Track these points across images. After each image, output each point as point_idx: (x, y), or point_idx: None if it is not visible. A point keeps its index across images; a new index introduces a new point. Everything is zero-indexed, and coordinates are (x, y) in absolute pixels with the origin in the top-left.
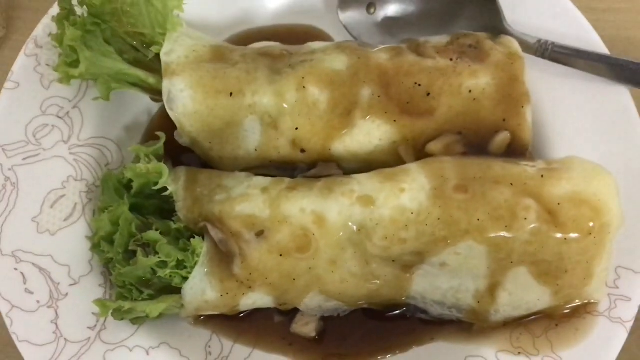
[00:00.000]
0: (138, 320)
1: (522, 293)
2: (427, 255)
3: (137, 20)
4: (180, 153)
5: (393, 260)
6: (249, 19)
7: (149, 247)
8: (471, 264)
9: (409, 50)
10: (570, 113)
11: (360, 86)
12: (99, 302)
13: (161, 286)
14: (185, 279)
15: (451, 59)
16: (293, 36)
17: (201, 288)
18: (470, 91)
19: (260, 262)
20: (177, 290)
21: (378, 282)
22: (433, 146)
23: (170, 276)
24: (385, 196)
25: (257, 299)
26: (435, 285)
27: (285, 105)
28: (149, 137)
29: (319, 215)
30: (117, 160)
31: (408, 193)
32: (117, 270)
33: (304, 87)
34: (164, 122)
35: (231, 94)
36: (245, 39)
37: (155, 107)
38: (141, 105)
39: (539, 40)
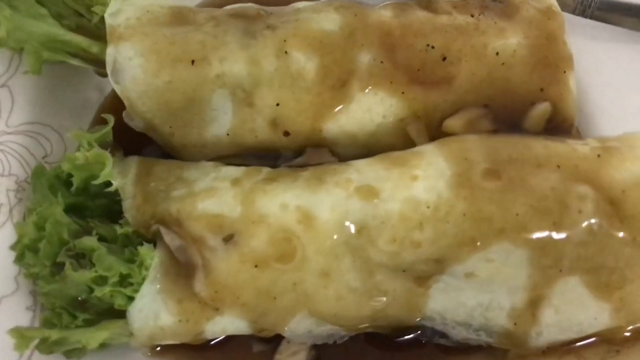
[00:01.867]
0: (73, 353)
1: (573, 310)
2: (449, 263)
3: None
4: (140, 145)
5: (403, 270)
6: None
7: (85, 259)
8: (507, 273)
9: (418, 7)
10: (620, 82)
11: (357, 50)
12: (17, 332)
13: (103, 308)
14: (132, 299)
15: (472, 15)
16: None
17: (153, 311)
18: (497, 53)
19: (230, 276)
20: (124, 313)
21: (385, 298)
22: (453, 122)
23: (111, 295)
24: (393, 186)
25: (227, 324)
26: (459, 302)
27: (262, 75)
28: (99, 122)
29: (305, 213)
30: (58, 152)
31: (422, 181)
32: (42, 289)
33: (285, 52)
34: (119, 105)
35: (193, 61)
36: (218, 5)
37: (109, 84)
38: (90, 82)
39: None
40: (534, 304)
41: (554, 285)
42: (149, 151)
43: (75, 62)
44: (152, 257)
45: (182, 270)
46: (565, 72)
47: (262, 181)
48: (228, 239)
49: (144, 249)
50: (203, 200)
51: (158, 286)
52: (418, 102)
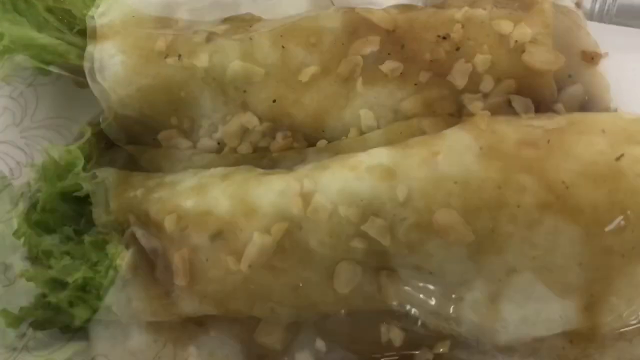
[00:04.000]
0: None
1: None
2: (483, 257)
3: None
4: None
5: (430, 273)
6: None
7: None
8: (556, 263)
9: (424, 6)
10: None
11: (361, 43)
12: None
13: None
14: (95, 311)
15: (484, 9)
16: None
17: (121, 328)
18: (516, 41)
19: (217, 281)
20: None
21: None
22: (474, 110)
23: (70, 303)
24: (411, 164)
25: (215, 347)
26: (498, 317)
27: (256, 70)
28: None
29: (306, 198)
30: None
31: (446, 155)
32: None
33: (282, 46)
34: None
35: (180, 56)
36: None
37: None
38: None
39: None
40: (592, 308)
41: (615, 279)
42: None
43: (51, 69)
44: (123, 257)
45: (160, 277)
46: (593, 58)
47: (256, 175)
48: (215, 236)
49: (113, 247)
50: (187, 198)
51: (129, 295)
52: (432, 95)
